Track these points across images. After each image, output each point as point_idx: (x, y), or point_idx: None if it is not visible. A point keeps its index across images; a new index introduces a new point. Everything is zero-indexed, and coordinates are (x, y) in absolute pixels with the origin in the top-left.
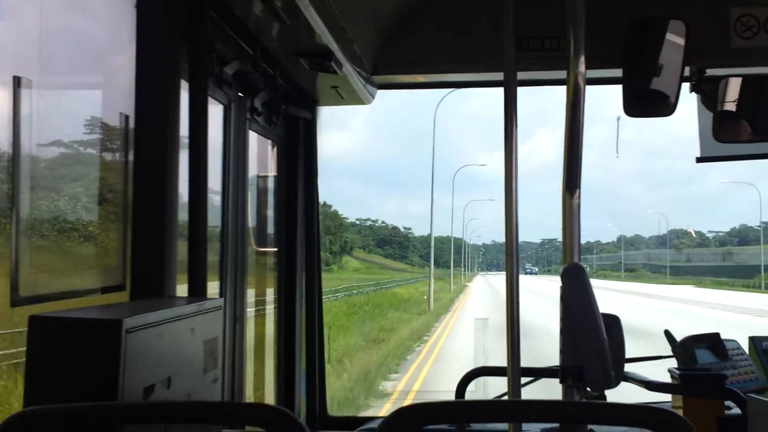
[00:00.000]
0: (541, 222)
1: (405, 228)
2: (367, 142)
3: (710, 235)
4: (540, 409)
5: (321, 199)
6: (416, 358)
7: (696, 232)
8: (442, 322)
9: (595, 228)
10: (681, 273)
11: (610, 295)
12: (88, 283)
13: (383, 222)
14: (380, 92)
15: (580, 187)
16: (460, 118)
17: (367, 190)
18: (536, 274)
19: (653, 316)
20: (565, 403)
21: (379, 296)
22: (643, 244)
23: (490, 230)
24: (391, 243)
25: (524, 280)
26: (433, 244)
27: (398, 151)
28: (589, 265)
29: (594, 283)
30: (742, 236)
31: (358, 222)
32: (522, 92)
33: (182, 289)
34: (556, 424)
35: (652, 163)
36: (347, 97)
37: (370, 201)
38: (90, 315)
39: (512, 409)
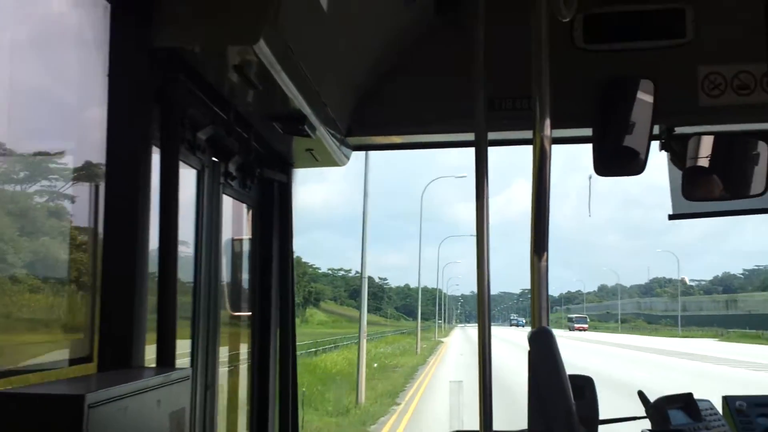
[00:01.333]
0: (519, 271)
1: (380, 279)
2: (344, 194)
3: (693, 284)
4: None
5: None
6: None
7: (681, 281)
8: None
9: (572, 279)
10: (684, 324)
11: (634, 356)
12: (55, 356)
13: (357, 272)
14: (355, 153)
15: (547, 250)
16: (437, 170)
17: (345, 241)
18: (523, 326)
19: None
20: None
21: None
22: (625, 294)
23: (468, 281)
24: None
25: (511, 334)
26: (365, 267)
27: (375, 205)
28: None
29: (594, 336)
30: (726, 284)
31: (330, 272)
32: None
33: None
34: None
35: (628, 213)
36: (322, 159)
37: (348, 252)
38: (52, 390)
39: None
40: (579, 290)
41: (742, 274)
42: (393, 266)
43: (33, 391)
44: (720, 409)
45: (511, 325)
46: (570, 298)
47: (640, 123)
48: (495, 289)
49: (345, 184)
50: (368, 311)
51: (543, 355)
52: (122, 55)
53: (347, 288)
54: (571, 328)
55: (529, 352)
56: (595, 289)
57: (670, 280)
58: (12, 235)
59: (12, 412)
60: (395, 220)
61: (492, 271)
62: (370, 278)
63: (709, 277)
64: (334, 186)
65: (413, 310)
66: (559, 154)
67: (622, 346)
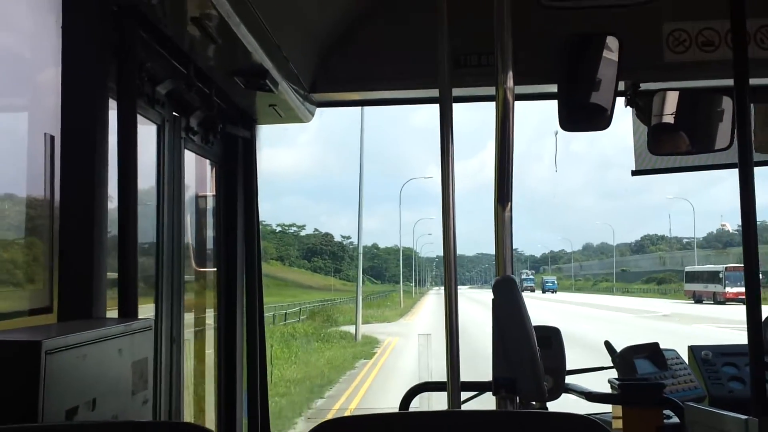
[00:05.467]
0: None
1: (342, 237)
2: (316, 158)
3: (686, 241)
4: (456, 419)
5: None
6: None
7: (674, 237)
8: None
9: (554, 240)
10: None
11: None
12: (14, 306)
13: (316, 230)
14: (320, 110)
15: (511, 201)
16: (406, 130)
17: (318, 206)
18: (555, 290)
19: None
20: (483, 412)
21: None
22: (612, 252)
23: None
24: (322, 253)
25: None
26: None
27: (346, 166)
28: (566, 275)
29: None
30: (724, 240)
31: (279, 228)
32: (472, 106)
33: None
34: None
35: (604, 174)
36: (285, 115)
37: (322, 217)
38: (9, 337)
39: (425, 420)
40: (563, 249)
41: (736, 231)
42: (369, 231)
43: None
44: (686, 359)
45: (524, 288)
46: (555, 258)
47: (606, 79)
48: (472, 250)
49: (316, 147)
50: (327, 273)
51: (506, 302)
52: (77, 7)
53: (300, 247)
54: (722, 298)
55: (493, 300)
56: (580, 248)
57: (662, 237)
58: None
59: None
60: (369, 185)
61: (468, 233)
62: (326, 234)
63: (703, 234)
64: (304, 149)
65: (381, 271)
66: (533, 116)
67: None
